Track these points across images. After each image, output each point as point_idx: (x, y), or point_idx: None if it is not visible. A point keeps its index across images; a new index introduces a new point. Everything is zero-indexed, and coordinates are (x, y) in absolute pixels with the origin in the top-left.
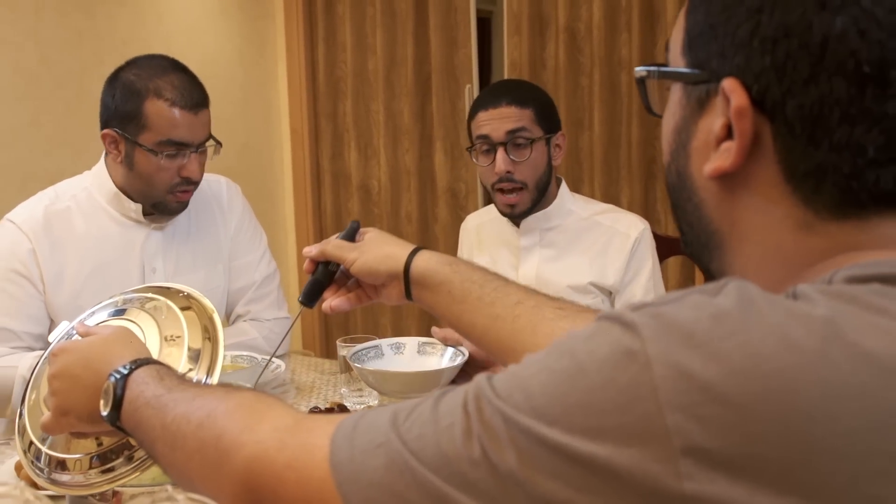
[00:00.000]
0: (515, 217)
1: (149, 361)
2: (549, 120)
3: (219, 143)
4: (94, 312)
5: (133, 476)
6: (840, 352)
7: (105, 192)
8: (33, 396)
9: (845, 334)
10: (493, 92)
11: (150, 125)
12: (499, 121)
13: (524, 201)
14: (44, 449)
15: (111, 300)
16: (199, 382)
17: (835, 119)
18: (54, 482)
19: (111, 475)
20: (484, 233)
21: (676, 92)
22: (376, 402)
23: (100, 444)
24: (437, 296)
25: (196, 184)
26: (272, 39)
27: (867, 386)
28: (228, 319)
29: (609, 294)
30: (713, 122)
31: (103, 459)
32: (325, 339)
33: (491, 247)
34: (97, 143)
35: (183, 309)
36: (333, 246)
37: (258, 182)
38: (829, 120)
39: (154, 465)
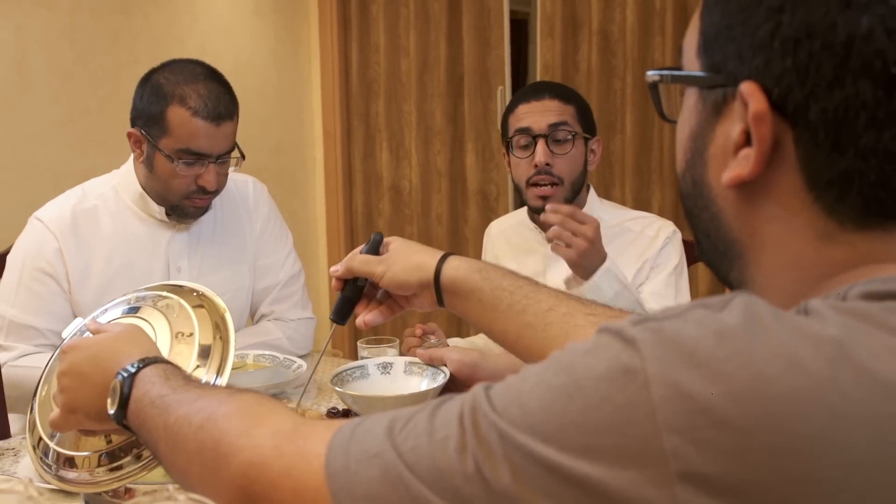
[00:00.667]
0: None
1: (157, 360)
2: (588, 122)
3: (242, 156)
4: (107, 310)
5: (141, 475)
6: (849, 376)
7: (131, 191)
8: (44, 392)
9: (856, 356)
10: (535, 87)
11: (171, 131)
12: (541, 113)
13: (557, 196)
14: (52, 445)
15: (124, 297)
16: (205, 383)
17: (861, 124)
18: (62, 479)
19: (119, 473)
20: (509, 239)
21: (692, 96)
22: None
23: (109, 442)
24: (467, 304)
25: (214, 193)
26: (306, 40)
27: (877, 414)
28: (253, 319)
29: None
30: (731, 128)
31: (112, 457)
32: (353, 339)
33: (517, 254)
34: None
35: (195, 307)
36: (360, 262)
37: (290, 182)
38: (855, 125)
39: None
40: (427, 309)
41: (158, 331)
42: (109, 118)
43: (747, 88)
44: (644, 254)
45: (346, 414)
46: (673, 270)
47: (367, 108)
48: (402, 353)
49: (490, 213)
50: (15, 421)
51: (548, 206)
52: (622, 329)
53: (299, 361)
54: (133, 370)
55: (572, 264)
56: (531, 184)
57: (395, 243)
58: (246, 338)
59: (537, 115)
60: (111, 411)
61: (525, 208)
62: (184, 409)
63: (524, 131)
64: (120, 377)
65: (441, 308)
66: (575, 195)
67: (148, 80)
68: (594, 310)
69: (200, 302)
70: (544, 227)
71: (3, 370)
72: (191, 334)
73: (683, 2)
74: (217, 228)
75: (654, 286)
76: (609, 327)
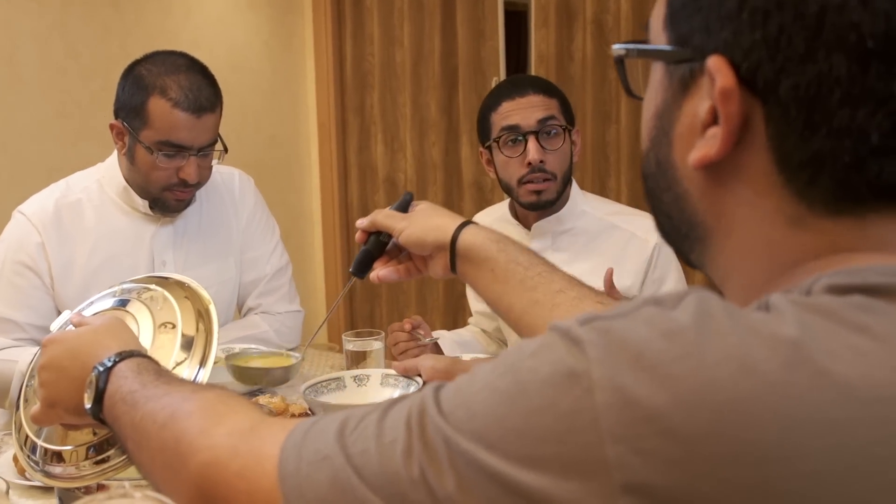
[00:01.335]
0: (541, 206)
1: (134, 354)
2: (569, 113)
3: (225, 149)
4: (92, 303)
5: (126, 468)
6: (806, 379)
7: (115, 185)
8: (30, 389)
9: (814, 357)
10: (516, 83)
11: (152, 123)
12: (527, 109)
13: (551, 191)
14: (39, 442)
15: (111, 290)
16: (176, 377)
17: (834, 101)
18: (48, 474)
19: (104, 466)
20: None
21: (658, 72)
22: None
23: (95, 434)
24: (479, 272)
25: (196, 186)
26: (300, 32)
27: (836, 421)
28: (240, 312)
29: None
30: (698, 105)
31: (99, 449)
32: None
33: None
34: None
35: (179, 299)
36: (384, 215)
37: (285, 175)
38: (828, 102)
39: None
40: (440, 275)
41: (141, 323)
42: (101, 112)
43: (714, 63)
44: (634, 258)
45: None
46: (675, 286)
47: (362, 100)
48: (387, 347)
49: (485, 204)
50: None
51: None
52: (569, 328)
53: (294, 354)
54: (109, 364)
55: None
56: (524, 182)
57: (422, 205)
58: (232, 331)
59: (524, 111)
60: (87, 406)
61: (506, 202)
62: (150, 406)
63: (512, 129)
64: (96, 371)
65: (453, 276)
66: (564, 188)
67: (130, 72)
68: (604, 299)
69: (186, 294)
70: (525, 222)
71: None
72: (174, 325)
73: None
74: (202, 221)
75: None
76: (557, 326)
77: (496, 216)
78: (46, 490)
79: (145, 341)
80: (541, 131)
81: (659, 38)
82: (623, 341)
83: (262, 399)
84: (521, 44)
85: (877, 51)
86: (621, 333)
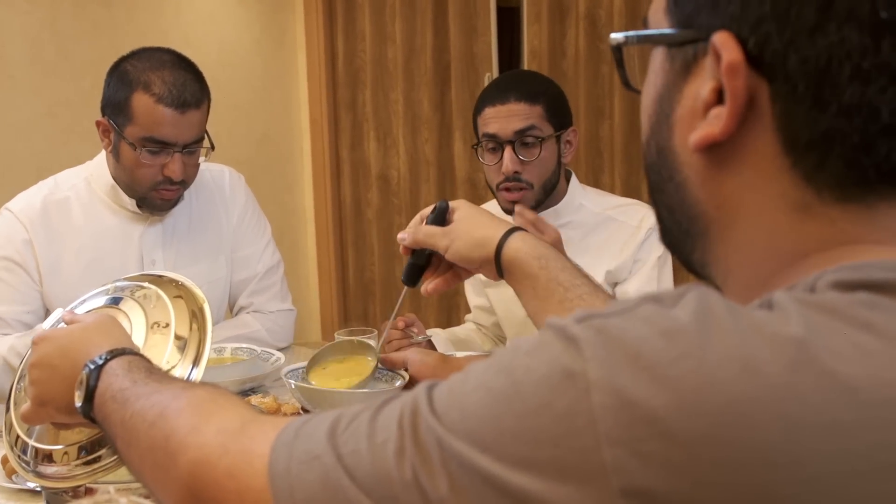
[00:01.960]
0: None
1: (125, 352)
2: (560, 115)
3: (211, 147)
4: (85, 300)
5: (118, 468)
6: (811, 381)
7: (103, 183)
8: (20, 390)
9: (819, 359)
10: (501, 86)
11: (136, 119)
12: (506, 119)
13: (527, 199)
14: (31, 442)
15: (103, 288)
16: (167, 375)
17: (845, 76)
18: (40, 475)
19: (95, 466)
20: None
21: (658, 58)
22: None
23: (87, 434)
24: (521, 287)
25: (182, 184)
26: (291, 29)
27: (840, 424)
28: (232, 311)
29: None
30: (701, 87)
31: (90, 450)
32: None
33: None
34: None
35: (173, 298)
36: (424, 234)
37: (278, 172)
38: (839, 77)
39: None
40: (491, 279)
41: (134, 321)
42: (91, 110)
43: (720, 39)
44: (626, 246)
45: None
46: (656, 262)
47: (354, 97)
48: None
49: (478, 200)
50: None
51: (516, 209)
52: (566, 326)
53: (277, 354)
54: (100, 362)
55: None
56: (502, 188)
57: (460, 211)
58: (224, 330)
59: (503, 120)
60: (78, 404)
61: None
62: (140, 404)
63: (491, 137)
64: (87, 369)
65: (501, 280)
66: (547, 195)
67: (116, 68)
68: None
69: (179, 292)
70: None
71: None
72: (167, 325)
73: None
74: (192, 220)
75: (639, 283)
76: (553, 323)
77: (492, 211)
78: (34, 494)
79: (138, 340)
80: (517, 142)
81: (660, 25)
82: (621, 340)
83: (254, 399)
84: (514, 40)
85: (890, 22)
86: (619, 332)
